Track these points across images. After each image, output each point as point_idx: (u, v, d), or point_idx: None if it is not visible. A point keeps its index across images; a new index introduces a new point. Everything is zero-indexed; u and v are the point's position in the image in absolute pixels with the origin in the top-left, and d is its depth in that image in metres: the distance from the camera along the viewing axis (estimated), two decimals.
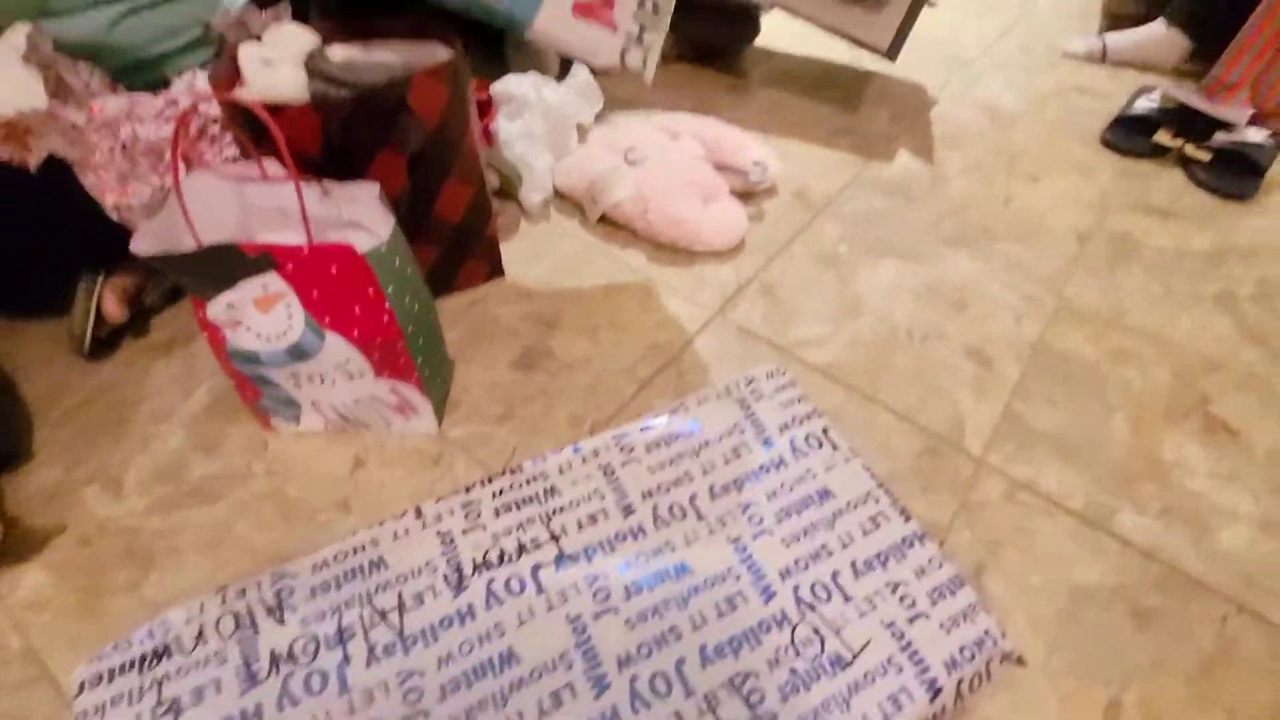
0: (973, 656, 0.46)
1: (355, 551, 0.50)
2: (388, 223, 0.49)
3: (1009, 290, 0.80)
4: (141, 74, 0.65)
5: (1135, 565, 0.56)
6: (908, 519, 0.54)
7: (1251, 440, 0.66)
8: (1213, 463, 0.64)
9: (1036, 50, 1.31)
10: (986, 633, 0.48)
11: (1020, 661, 0.49)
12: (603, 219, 0.84)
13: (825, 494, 0.56)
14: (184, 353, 0.66)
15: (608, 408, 0.65)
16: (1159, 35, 1.24)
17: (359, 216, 0.52)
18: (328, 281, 0.47)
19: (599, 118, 0.95)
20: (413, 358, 0.53)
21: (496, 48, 0.97)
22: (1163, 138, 1.02)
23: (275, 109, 0.53)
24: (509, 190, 0.86)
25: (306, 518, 0.55)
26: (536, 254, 0.82)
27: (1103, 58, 1.28)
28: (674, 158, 0.85)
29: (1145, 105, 1.05)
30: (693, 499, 0.55)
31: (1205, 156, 0.99)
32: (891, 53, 1.04)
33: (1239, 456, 0.64)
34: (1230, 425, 0.67)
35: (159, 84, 0.65)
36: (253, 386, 0.55)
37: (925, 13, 1.10)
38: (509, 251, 0.81)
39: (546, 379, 0.67)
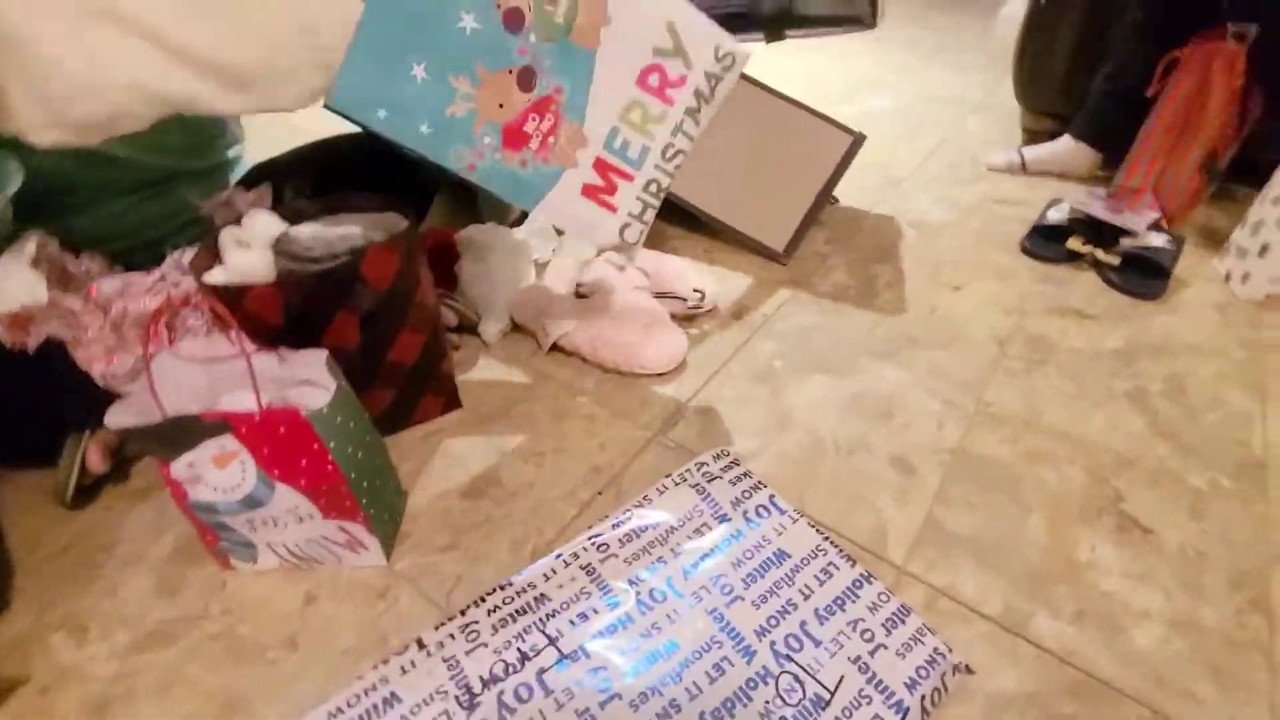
0: (928, 674, 0.54)
1: (367, 693, 0.53)
2: (331, 385, 0.56)
3: (932, 397, 0.86)
4: (142, 254, 0.76)
5: (1051, 671, 0.58)
6: (853, 564, 0.63)
7: (1163, 537, 0.69)
8: (1126, 562, 0.67)
9: (963, 166, 1.44)
10: (936, 650, 0.56)
11: (969, 670, 0.56)
12: (554, 348, 0.91)
13: (782, 554, 0.64)
14: (158, 498, 0.72)
15: (548, 532, 0.69)
16: (1068, 148, 1.37)
17: (312, 375, 0.59)
18: (276, 440, 0.53)
19: (553, 251, 1.05)
20: (358, 500, 0.59)
21: (470, 196, 1.10)
22: (1075, 244, 1.11)
23: (245, 287, 0.62)
24: (468, 325, 0.94)
25: (255, 657, 0.59)
26: (492, 384, 0.89)
27: (1023, 169, 1.41)
28: (618, 289, 0.94)
29: (1056, 215, 1.15)
30: (670, 580, 0.61)
31: (1115, 260, 1.07)
32: (785, 255, 1.09)
33: (1151, 554, 0.67)
34: (1142, 523, 0.70)
35: (156, 261, 0.75)
36: (212, 532, 0.61)
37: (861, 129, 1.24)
38: (468, 382, 0.88)
39: (492, 506, 0.72)
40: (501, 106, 0.62)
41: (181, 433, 0.52)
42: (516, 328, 0.96)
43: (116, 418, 0.52)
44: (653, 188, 0.73)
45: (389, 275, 0.66)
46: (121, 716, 0.55)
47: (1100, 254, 1.08)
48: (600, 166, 0.69)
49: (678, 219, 1.19)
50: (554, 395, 0.87)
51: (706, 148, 0.78)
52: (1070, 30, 1.34)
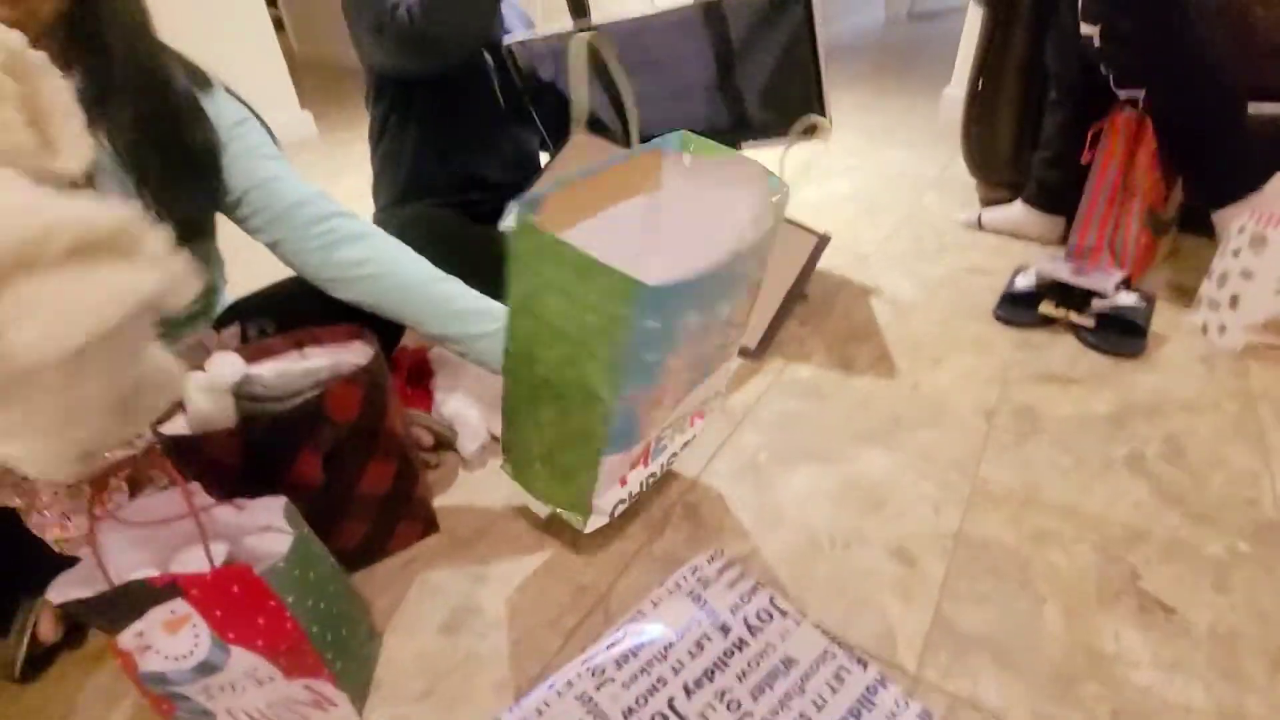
0: None
1: None
2: (288, 537, 0.53)
3: (924, 479, 0.83)
4: None
5: None
6: (866, 666, 0.59)
7: (1189, 617, 0.65)
8: (1155, 648, 0.62)
9: (926, 240, 1.48)
10: None
11: None
12: None
13: (789, 662, 0.60)
14: (114, 662, 0.67)
15: (531, 668, 0.64)
16: (1024, 214, 1.41)
17: (272, 521, 0.56)
18: (230, 600, 0.50)
19: None
20: (321, 655, 0.54)
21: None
22: (1047, 309, 1.12)
23: (204, 435, 0.60)
24: (446, 442, 0.92)
25: None
26: (473, 501, 0.86)
27: (979, 226, 1.46)
28: None
29: (1024, 282, 1.17)
30: (671, 703, 0.56)
31: (1090, 322, 1.08)
32: (758, 352, 1.09)
33: (1180, 638, 0.63)
34: (1165, 602, 0.66)
35: None
36: (168, 702, 0.56)
37: (821, 218, 1.27)
38: (448, 501, 0.85)
39: (473, 640, 0.67)
40: None
41: (129, 600, 0.49)
42: (496, 440, 0.94)
43: (60, 590, 0.49)
44: (651, 479, 0.75)
45: (353, 409, 0.65)
46: None
47: (1074, 316, 1.09)
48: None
49: None
50: (529, 518, 0.83)
51: None
52: (1009, 108, 1.41)
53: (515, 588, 0.73)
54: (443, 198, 1.20)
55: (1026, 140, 1.41)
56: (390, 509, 0.74)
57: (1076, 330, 1.09)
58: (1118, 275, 1.13)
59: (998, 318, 1.15)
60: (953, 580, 0.70)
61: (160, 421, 0.63)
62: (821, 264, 1.30)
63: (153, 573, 0.50)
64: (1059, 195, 1.34)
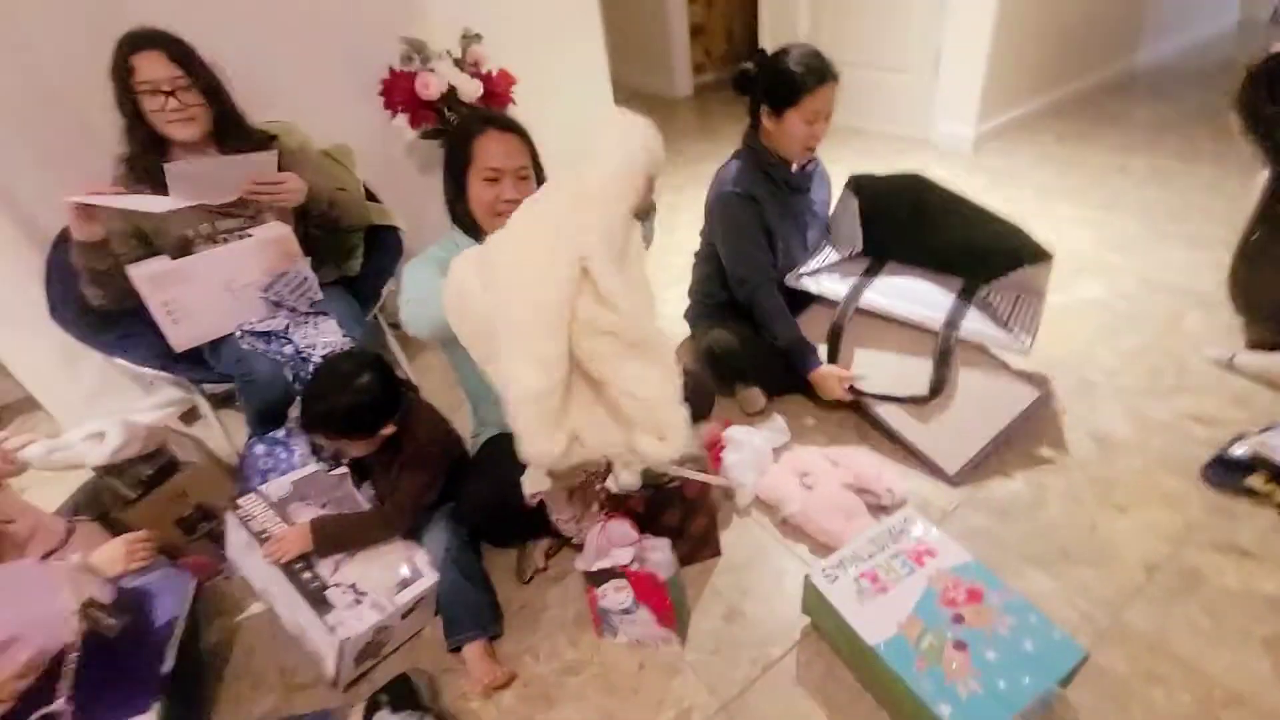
0: None
1: None
2: (670, 568, 1.08)
3: (1070, 607, 1.13)
4: None
5: None
6: None
7: None
8: None
9: (1165, 374, 1.59)
10: None
11: None
12: (784, 521, 1.37)
13: None
14: (566, 581, 1.31)
15: (775, 649, 1.14)
16: None
17: (661, 549, 1.13)
18: (646, 586, 1.07)
19: (788, 446, 1.52)
20: (676, 619, 1.10)
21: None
22: (1256, 482, 1.25)
23: (631, 495, 1.19)
24: (730, 496, 1.44)
25: (621, 689, 1.12)
26: (741, 541, 1.37)
27: (1229, 366, 1.53)
28: (829, 483, 1.37)
29: (1239, 451, 1.30)
30: None
31: None
32: (957, 479, 1.38)
33: None
34: None
35: None
36: (599, 618, 1.17)
37: (1059, 328, 1.50)
38: (726, 537, 1.37)
39: (737, 630, 1.19)
40: None
41: (606, 577, 1.09)
42: (760, 500, 1.44)
43: (585, 560, 1.11)
44: None
45: (696, 490, 1.20)
46: (547, 709, 1.12)
47: None
48: None
49: (855, 430, 1.58)
50: (779, 555, 1.31)
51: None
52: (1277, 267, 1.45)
53: (761, 604, 1.23)
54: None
55: None
56: (702, 540, 1.28)
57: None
58: None
59: (1204, 477, 1.31)
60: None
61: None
62: (1052, 403, 1.54)
63: (609, 565, 1.10)
64: None
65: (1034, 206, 2.45)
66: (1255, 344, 1.58)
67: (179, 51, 1.29)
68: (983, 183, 2.71)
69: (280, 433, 1.41)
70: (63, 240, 1.43)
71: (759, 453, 1.45)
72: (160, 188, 1.30)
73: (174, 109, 1.30)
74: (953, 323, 1.46)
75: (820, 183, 1.63)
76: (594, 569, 1.09)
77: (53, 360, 1.76)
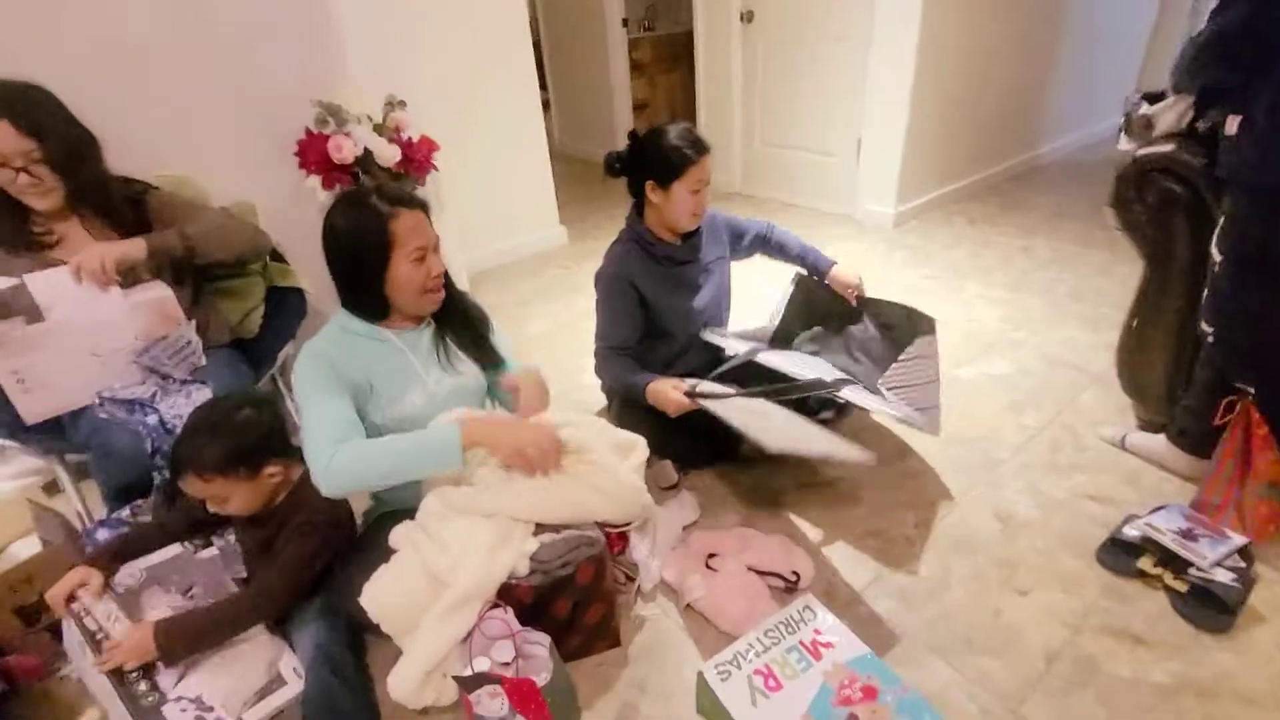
0: None
1: None
2: (549, 669, 1.00)
3: (970, 701, 1.09)
4: None
5: None
6: None
7: None
8: None
9: (1064, 450, 1.63)
10: None
11: None
12: (688, 608, 1.30)
13: None
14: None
15: None
16: (1166, 448, 1.51)
17: (542, 644, 1.04)
18: (521, 692, 0.98)
19: (695, 524, 1.47)
20: None
21: None
22: (1145, 565, 1.27)
23: (511, 586, 1.11)
24: (631, 579, 1.37)
25: None
26: (643, 628, 1.29)
27: (1122, 447, 1.58)
28: (734, 565, 1.32)
29: (1131, 532, 1.32)
30: None
31: (1183, 587, 1.22)
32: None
33: None
34: None
35: None
36: None
37: (969, 404, 1.53)
38: (626, 625, 1.29)
39: None
40: None
41: (477, 682, 0.99)
42: (664, 582, 1.37)
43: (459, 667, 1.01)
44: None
45: (589, 576, 1.12)
46: None
47: (1169, 578, 1.23)
48: None
49: (797, 488, 1.55)
50: (682, 642, 1.24)
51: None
52: (1162, 351, 1.52)
53: (661, 703, 1.14)
54: None
55: (1180, 381, 1.50)
56: (597, 630, 1.20)
57: (1169, 592, 1.23)
58: (1234, 543, 1.24)
59: (1099, 560, 1.32)
60: None
61: None
62: (953, 458, 1.56)
63: (490, 671, 1.00)
64: (1200, 442, 1.43)
65: (948, 284, 2.56)
66: (1145, 424, 1.64)
67: (30, 122, 1.19)
68: (902, 258, 2.83)
69: (125, 512, 1.28)
70: None
71: (665, 531, 1.40)
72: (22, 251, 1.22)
73: (25, 182, 1.21)
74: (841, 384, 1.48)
75: (712, 241, 1.65)
76: (466, 674, 1.00)
77: None
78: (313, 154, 1.77)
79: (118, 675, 1.03)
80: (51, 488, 1.74)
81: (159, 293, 1.35)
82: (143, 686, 1.03)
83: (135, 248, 1.31)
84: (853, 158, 3.20)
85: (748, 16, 3.37)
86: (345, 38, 1.93)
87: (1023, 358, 2.04)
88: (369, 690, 1.15)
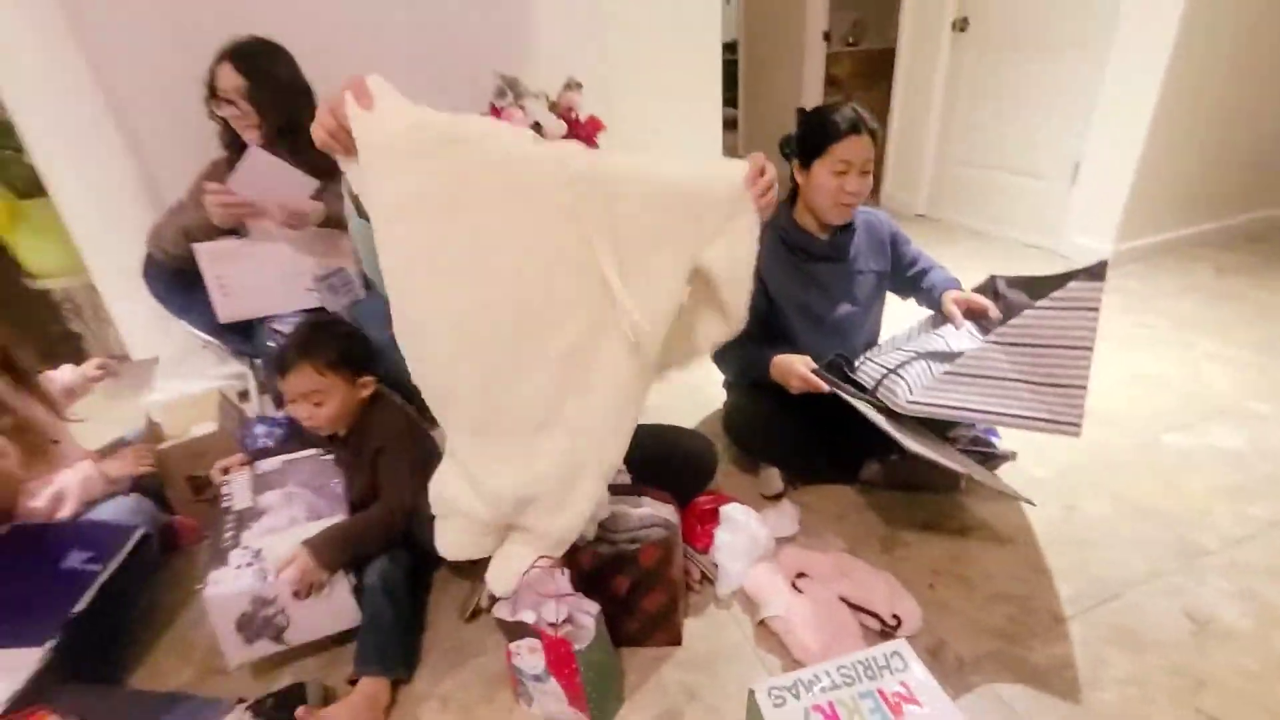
0: None
1: None
2: (591, 631, 0.94)
3: None
4: None
5: None
6: None
7: None
8: None
9: None
10: None
11: None
12: (762, 624, 1.17)
13: None
14: None
15: None
16: None
17: (590, 612, 0.99)
18: (557, 651, 0.93)
19: (792, 539, 1.33)
20: (587, 697, 0.95)
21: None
22: None
23: (577, 548, 1.07)
24: (711, 578, 1.27)
25: None
26: (710, 634, 1.18)
27: None
28: (824, 590, 1.16)
29: None
30: None
31: None
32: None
33: None
34: None
35: None
36: (517, 681, 1.03)
37: (1172, 473, 1.31)
38: (693, 626, 1.19)
39: None
40: None
41: (520, 631, 0.97)
42: (743, 592, 1.25)
43: (503, 610, 0.99)
44: None
45: (653, 560, 1.05)
46: None
47: None
48: None
49: (917, 528, 1.34)
50: (748, 660, 1.12)
51: None
52: None
53: (712, 708, 1.03)
54: None
55: None
56: (656, 621, 1.12)
57: None
58: None
59: None
60: None
61: None
62: (1137, 533, 1.28)
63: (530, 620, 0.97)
64: None
65: (1170, 335, 2.10)
66: None
67: (246, 64, 1.41)
68: (1115, 303, 2.38)
69: (280, 414, 1.44)
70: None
71: (755, 539, 1.27)
72: None
73: (234, 115, 1.43)
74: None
75: (871, 248, 1.47)
76: (511, 618, 0.97)
77: (150, 322, 1.96)
78: None
79: (220, 515, 1.15)
80: (244, 395, 2.06)
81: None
82: (229, 534, 1.12)
83: (316, 211, 1.49)
84: (1065, 183, 2.77)
85: (961, 24, 3.08)
86: (538, 19, 2.07)
87: (1264, 436, 1.59)
88: (414, 624, 1.20)
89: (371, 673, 1.06)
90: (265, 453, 1.34)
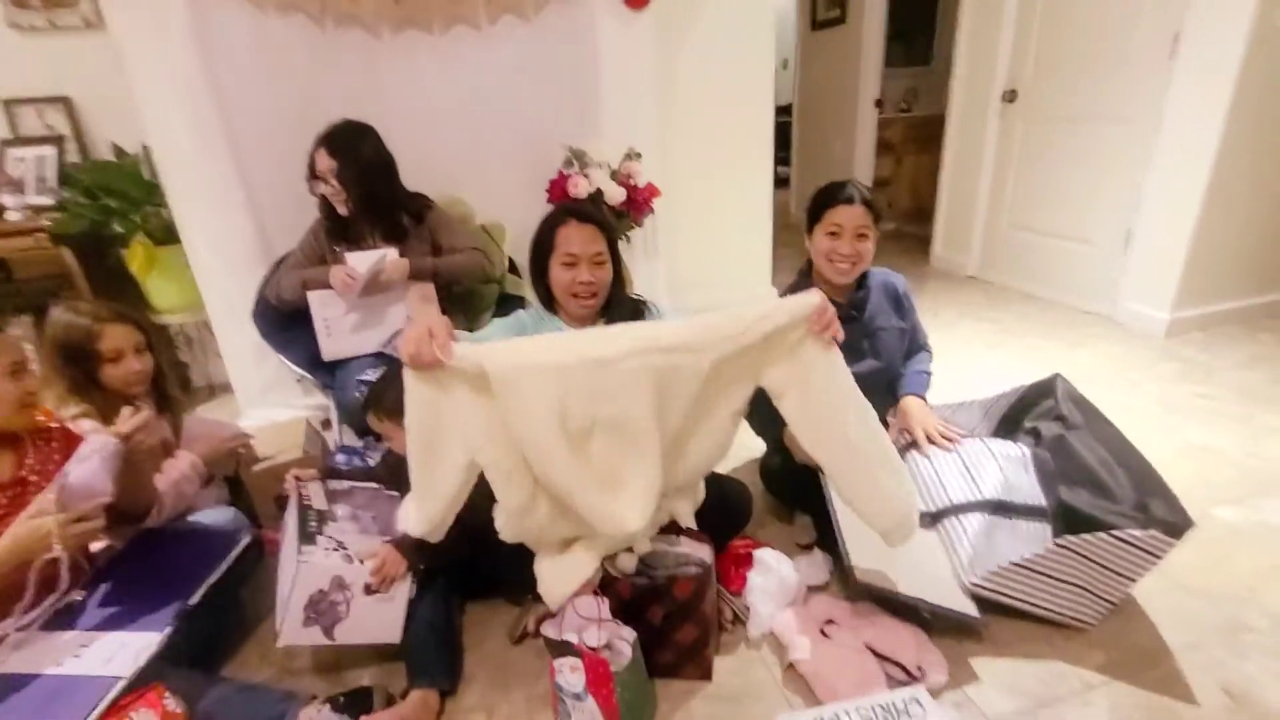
0: None
1: None
2: (627, 657, 1.03)
3: None
4: None
5: None
6: None
7: None
8: None
9: None
10: None
11: None
12: (790, 667, 1.22)
13: None
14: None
15: None
16: None
17: (627, 638, 1.08)
18: (596, 669, 1.02)
19: (824, 588, 1.38)
20: (619, 712, 1.03)
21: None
22: None
23: (612, 580, 1.17)
24: (743, 619, 1.33)
25: None
26: (739, 672, 1.24)
27: None
28: (850, 639, 1.21)
29: None
30: None
31: None
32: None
33: None
34: None
35: None
36: (558, 700, 1.12)
37: (1222, 550, 1.31)
38: (724, 663, 1.25)
39: None
40: None
41: (561, 649, 1.06)
42: (774, 635, 1.31)
43: (551, 628, 1.09)
44: None
45: (688, 593, 1.14)
46: None
47: None
48: None
49: None
50: (774, 699, 1.17)
51: None
52: None
53: None
54: None
55: None
56: (688, 654, 1.19)
57: None
58: None
59: None
60: None
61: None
62: (1184, 615, 1.27)
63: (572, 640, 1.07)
64: None
65: (1230, 407, 2.06)
66: None
67: (337, 147, 1.65)
68: (1171, 372, 2.35)
69: (359, 443, 1.62)
70: (277, 265, 1.86)
71: (785, 583, 1.33)
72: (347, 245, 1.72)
73: (330, 192, 1.67)
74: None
75: (885, 305, 1.56)
76: (559, 638, 1.07)
77: (250, 355, 2.22)
78: (557, 190, 2.12)
79: (300, 509, 1.28)
80: (326, 424, 2.27)
81: (426, 290, 1.75)
82: (312, 524, 1.24)
83: (400, 269, 1.71)
84: (1118, 250, 2.77)
85: (1010, 96, 3.17)
86: (604, 98, 2.29)
87: None
88: (453, 640, 1.29)
89: (422, 685, 1.17)
90: (336, 474, 1.50)
